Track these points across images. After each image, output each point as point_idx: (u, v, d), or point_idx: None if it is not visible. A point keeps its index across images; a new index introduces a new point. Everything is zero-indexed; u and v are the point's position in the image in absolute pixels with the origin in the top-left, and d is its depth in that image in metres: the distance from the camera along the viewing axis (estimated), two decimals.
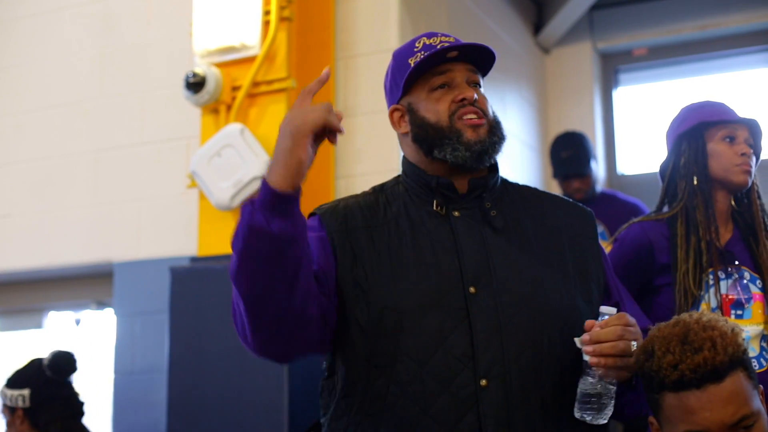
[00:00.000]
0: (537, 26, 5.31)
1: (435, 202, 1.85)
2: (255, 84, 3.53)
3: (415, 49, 1.88)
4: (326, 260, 1.81)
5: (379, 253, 1.81)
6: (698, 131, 2.46)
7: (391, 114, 1.94)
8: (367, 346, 1.76)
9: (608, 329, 1.66)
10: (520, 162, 4.84)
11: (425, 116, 1.86)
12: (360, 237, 1.83)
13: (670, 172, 2.51)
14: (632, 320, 1.69)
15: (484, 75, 1.94)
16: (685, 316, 1.65)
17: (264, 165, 3.38)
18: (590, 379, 1.66)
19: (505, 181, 1.96)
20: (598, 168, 4.59)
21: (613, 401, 1.67)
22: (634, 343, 1.66)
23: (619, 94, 5.45)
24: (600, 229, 4.13)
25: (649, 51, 5.38)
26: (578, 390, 1.68)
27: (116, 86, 4.25)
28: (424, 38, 1.90)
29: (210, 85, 3.50)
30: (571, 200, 2.01)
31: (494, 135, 1.85)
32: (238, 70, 3.57)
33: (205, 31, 3.63)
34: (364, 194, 1.95)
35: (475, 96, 1.85)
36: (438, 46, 1.86)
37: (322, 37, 3.74)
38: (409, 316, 1.74)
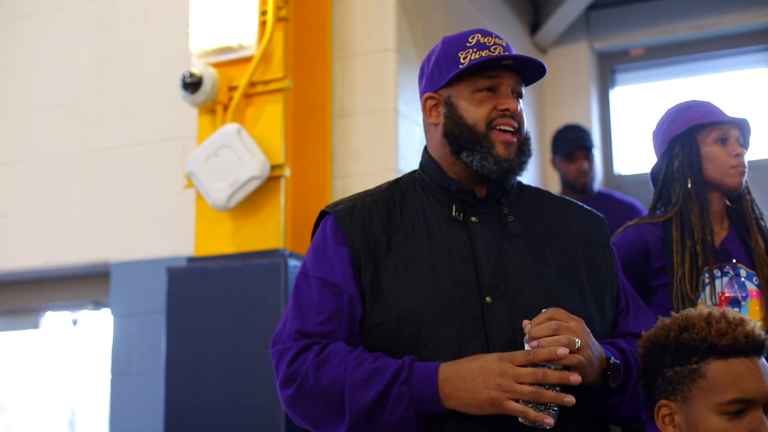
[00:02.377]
0: (534, 26, 5.31)
1: (454, 207, 1.84)
2: (252, 84, 3.52)
3: (468, 45, 1.85)
4: (351, 281, 1.79)
5: (395, 260, 1.79)
6: (690, 133, 2.46)
7: (425, 101, 1.91)
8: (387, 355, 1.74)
9: (541, 326, 1.64)
10: None
11: (463, 115, 1.84)
12: (380, 243, 1.81)
13: (663, 176, 2.50)
14: (567, 315, 1.66)
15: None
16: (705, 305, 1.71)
17: (261, 165, 3.38)
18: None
19: (520, 184, 1.95)
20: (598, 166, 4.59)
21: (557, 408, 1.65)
22: (577, 340, 1.63)
23: (615, 94, 5.46)
24: None
25: (645, 51, 5.39)
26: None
27: (113, 86, 4.24)
28: (479, 35, 1.86)
29: (207, 85, 3.50)
30: (584, 206, 2.00)
31: (523, 154, 1.84)
32: (234, 70, 3.57)
33: (201, 31, 3.62)
34: (380, 192, 1.92)
35: (518, 108, 1.84)
36: (492, 48, 1.83)
37: (319, 37, 3.74)
38: (426, 326, 1.73)
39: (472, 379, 1.63)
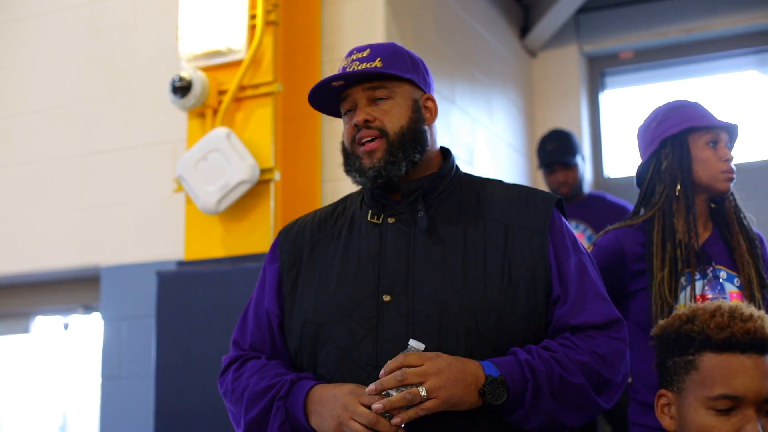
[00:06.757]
0: (523, 29, 5.33)
1: (370, 212, 1.87)
2: (241, 88, 3.53)
3: (338, 70, 1.90)
4: (273, 297, 1.90)
5: (313, 268, 1.87)
6: (682, 135, 2.46)
7: None
8: (295, 360, 1.85)
9: (389, 377, 1.63)
10: (506, 165, 4.85)
11: (342, 140, 1.91)
12: (303, 253, 1.90)
13: (650, 176, 2.50)
14: (419, 357, 1.64)
15: (409, 75, 1.88)
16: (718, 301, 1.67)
17: (251, 169, 3.38)
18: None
19: (462, 178, 1.92)
20: (585, 167, 4.56)
21: None
22: (422, 389, 1.61)
23: (605, 97, 5.48)
24: (588, 232, 4.14)
25: (635, 54, 5.41)
26: None
27: (103, 90, 4.24)
28: (345, 59, 1.89)
29: (196, 89, 3.50)
30: (536, 191, 1.91)
31: (392, 155, 1.82)
32: (224, 74, 3.57)
33: (191, 35, 3.63)
34: (329, 206, 2.00)
35: (366, 119, 1.83)
36: (348, 67, 1.87)
37: (309, 41, 3.74)
38: (324, 327, 1.79)
39: (325, 404, 1.70)
